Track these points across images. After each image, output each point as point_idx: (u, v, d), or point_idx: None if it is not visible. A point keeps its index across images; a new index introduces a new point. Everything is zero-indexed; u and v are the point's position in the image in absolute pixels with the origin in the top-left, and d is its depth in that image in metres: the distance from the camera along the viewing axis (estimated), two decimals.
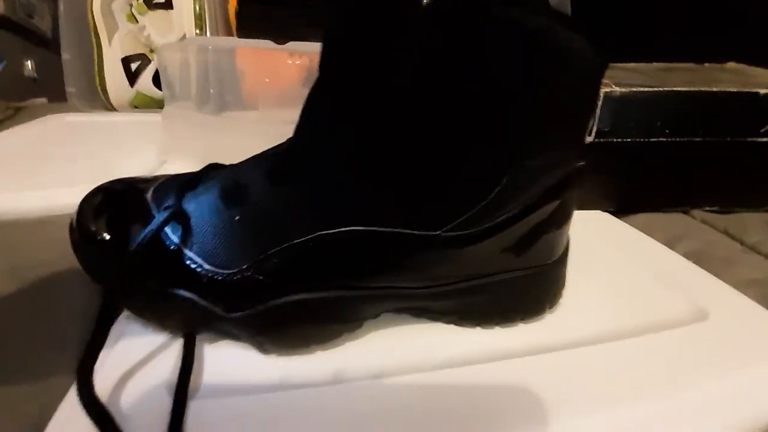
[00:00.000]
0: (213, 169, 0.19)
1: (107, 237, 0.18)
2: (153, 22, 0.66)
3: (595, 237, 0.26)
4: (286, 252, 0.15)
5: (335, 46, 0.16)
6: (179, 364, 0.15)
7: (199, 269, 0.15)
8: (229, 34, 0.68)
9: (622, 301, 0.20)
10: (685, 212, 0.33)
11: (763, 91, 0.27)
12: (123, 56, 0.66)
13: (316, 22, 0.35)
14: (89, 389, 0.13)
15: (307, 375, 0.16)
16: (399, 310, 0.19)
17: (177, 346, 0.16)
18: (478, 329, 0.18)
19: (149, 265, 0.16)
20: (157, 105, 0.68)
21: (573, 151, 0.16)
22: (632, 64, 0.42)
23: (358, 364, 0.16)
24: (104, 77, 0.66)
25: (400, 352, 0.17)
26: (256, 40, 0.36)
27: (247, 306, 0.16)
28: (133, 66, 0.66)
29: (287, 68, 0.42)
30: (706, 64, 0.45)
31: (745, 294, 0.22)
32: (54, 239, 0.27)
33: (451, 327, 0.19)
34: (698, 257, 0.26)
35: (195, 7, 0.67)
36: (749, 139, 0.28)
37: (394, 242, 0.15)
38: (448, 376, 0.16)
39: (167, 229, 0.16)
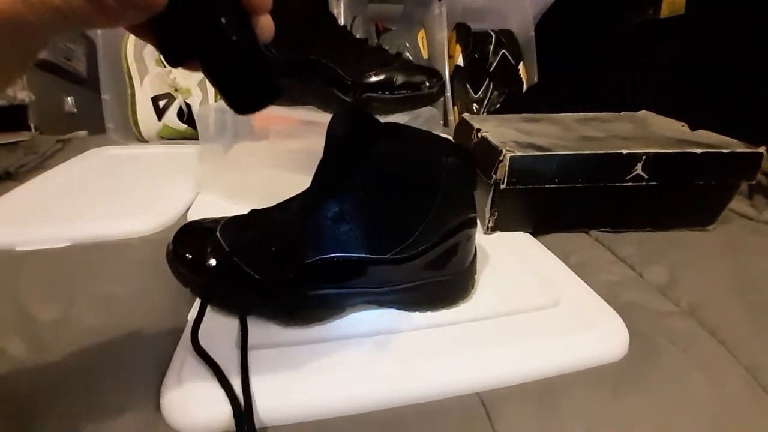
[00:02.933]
0: (255, 212, 0.31)
1: (190, 258, 0.30)
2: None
3: (508, 251, 0.38)
4: (303, 268, 0.27)
5: (331, 147, 0.27)
6: (239, 332, 0.27)
7: (252, 278, 0.27)
8: None
9: (509, 293, 0.32)
10: (585, 232, 0.45)
11: (626, 151, 0.39)
12: (152, 95, 0.78)
13: (318, 95, 0.46)
14: (197, 343, 0.25)
15: (309, 337, 0.28)
16: (368, 302, 0.30)
17: (236, 322, 0.28)
18: (417, 312, 0.30)
19: (222, 275, 0.28)
20: (180, 135, 0.80)
21: (462, 210, 0.28)
22: (560, 115, 0.54)
23: (342, 332, 0.28)
24: (136, 113, 0.78)
25: (368, 325, 0.29)
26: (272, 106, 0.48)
27: (280, 299, 0.28)
28: (161, 103, 0.78)
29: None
30: (622, 113, 0.57)
31: (599, 291, 0.34)
32: (137, 258, 0.38)
33: (401, 311, 0.31)
34: (581, 266, 0.38)
35: None
36: (618, 184, 0.40)
37: (361, 263, 0.27)
38: (396, 337, 0.28)
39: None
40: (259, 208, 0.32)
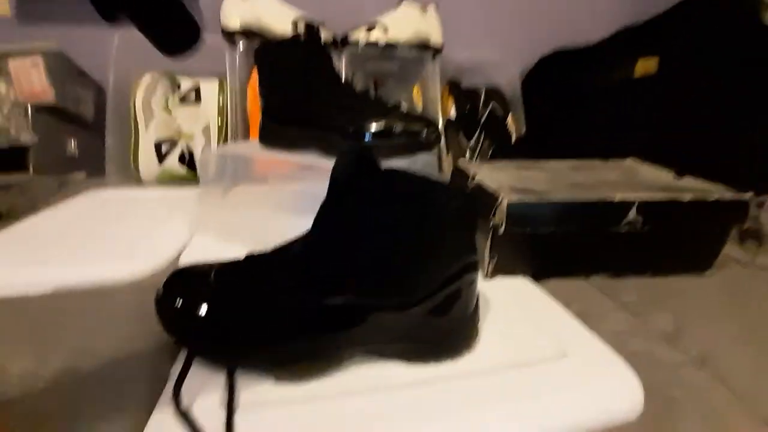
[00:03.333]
0: (251, 257, 0.30)
1: (179, 307, 0.28)
2: (184, 113, 0.82)
3: (510, 297, 0.37)
4: (299, 315, 0.26)
5: (334, 188, 0.27)
6: (227, 386, 0.25)
7: (244, 326, 0.26)
8: (246, 123, 0.84)
9: (514, 343, 0.31)
10: (586, 277, 0.44)
11: (618, 198, 0.40)
12: (156, 140, 0.80)
13: (318, 141, 0.48)
14: (179, 402, 0.23)
15: (303, 394, 0.26)
16: (368, 353, 0.29)
17: (223, 378, 0.26)
18: (420, 363, 0.29)
19: (214, 325, 0.26)
20: (179, 180, 0.81)
21: (463, 254, 0.27)
22: (552, 163, 0.57)
23: (341, 387, 0.26)
24: (138, 157, 0.79)
25: (368, 379, 0.27)
26: (275, 150, 0.50)
27: (272, 350, 0.26)
28: (164, 148, 0.80)
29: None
30: (609, 161, 0.60)
31: (606, 341, 0.32)
32: (117, 307, 0.37)
33: (402, 363, 0.29)
34: (584, 314, 0.37)
35: (219, 101, 0.83)
36: (613, 230, 0.41)
37: (363, 310, 0.26)
38: (399, 394, 0.26)
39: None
40: (255, 251, 0.31)
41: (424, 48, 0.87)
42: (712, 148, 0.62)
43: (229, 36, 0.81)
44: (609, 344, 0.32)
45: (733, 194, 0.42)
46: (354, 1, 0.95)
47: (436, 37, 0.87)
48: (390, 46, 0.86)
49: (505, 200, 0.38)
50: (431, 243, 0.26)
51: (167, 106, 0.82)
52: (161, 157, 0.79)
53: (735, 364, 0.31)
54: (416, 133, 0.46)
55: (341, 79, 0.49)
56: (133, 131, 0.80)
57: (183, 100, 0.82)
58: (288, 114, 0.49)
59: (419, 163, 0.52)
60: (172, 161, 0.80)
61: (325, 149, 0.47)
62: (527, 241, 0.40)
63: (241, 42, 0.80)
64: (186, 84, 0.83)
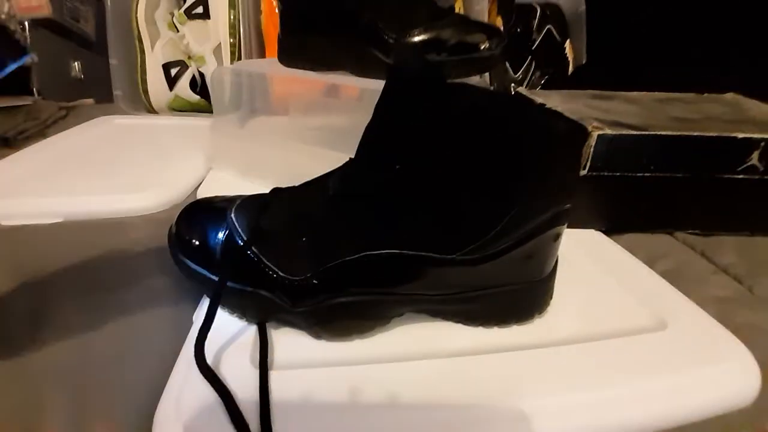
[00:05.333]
0: (278, 192, 0.24)
1: (197, 244, 0.23)
2: (192, 31, 0.71)
3: (584, 253, 0.31)
4: (340, 266, 0.20)
5: (388, 105, 0.20)
6: (257, 345, 0.21)
7: (274, 275, 0.21)
8: (260, 43, 0.73)
9: (597, 309, 0.25)
10: (669, 233, 0.37)
11: (741, 135, 0.31)
12: (164, 62, 0.72)
13: (349, 54, 0.39)
14: (202, 358, 0.19)
15: (347, 356, 0.21)
16: (419, 311, 0.24)
17: (254, 331, 0.22)
18: (480, 328, 0.24)
19: (236, 269, 0.21)
20: (192, 108, 0.74)
21: (559, 199, 0.21)
22: (634, 93, 0.46)
23: (386, 350, 0.22)
24: (146, 81, 0.72)
25: (418, 343, 0.22)
26: (296, 69, 0.41)
27: (308, 303, 0.21)
28: (173, 71, 0.72)
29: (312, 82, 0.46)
30: (705, 94, 0.48)
31: (708, 310, 0.26)
32: (137, 239, 0.33)
33: (459, 325, 0.24)
34: (674, 275, 0.30)
35: (230, 17, 0.72)
36: (726, 176, 0.32)
37: (421, 262, 0.20)
38: (452, 363, 0.21)
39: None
40: (282, 186, 0.25)
41: None
42: None
43: None
44: (711, 314, 0.26)
45: None
46: None
47: None
48: None
49: (595, 134, 0.29)
50: (521, 180, 0.19)
51: (172, 21, 0.71)
52: (171, 82, 0.72)
53: None
54: (475, 46, 0.36)
55: None
56: (138, 52, 0.72)
57: (190, 14, 0.71)
58: (312, 20, 0.39)
59: None
60: (184, 86, 0.72)
61: (360, 66, 0.38)
62: (611, 185, 0.32)
63: None
64: None
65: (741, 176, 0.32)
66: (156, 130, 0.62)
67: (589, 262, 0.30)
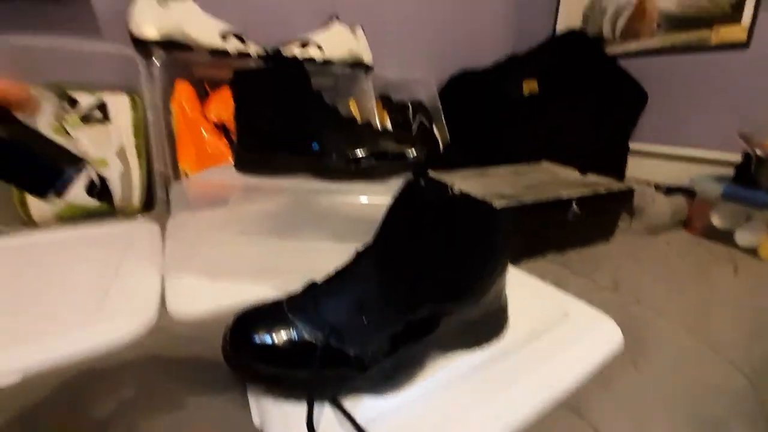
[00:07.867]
0: (314, 285, 0.30)
1: (268, 342, 0.27)
2: (89, 135, 0.67)
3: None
4: (395, 333, 0.28)
5: (396, 209, 0.30)
6: (343, 416, 0.25)
7: (351, 353, 0.27)
8: (171, 142, 0.74)
9: (529, 317, 0.39)
10: (542, 256, 0.57)
11: (565, 195, 0.53)
12: None
13: (314, 166, 0.48)
14: None
15: (406, 397, 0.28)
16: (441, 349, 0.32)
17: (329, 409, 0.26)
18: (470, 351, 0.34)
19: (325, 360, 0.26)
20: (89, 214, 0.66)
21: (504, 258, 0.34)
22: (494, 169, 0.69)
23: (427, 383, 0.30)
24: (24, 194, 0.61)
25: (441, 369, 0.31)
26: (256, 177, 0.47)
27: (372, 367, 0.27)
28: None
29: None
30: (531, 164, 0.76)
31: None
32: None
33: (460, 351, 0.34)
34: (556, 282, 0.48)
35: (133, 119, 0.71)
36: (563, 218, 0.54)
37: (444, 311, 0.30)
38: (477, 375, 0.30)
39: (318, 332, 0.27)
40: (315, 279, 0.31)
41: (358, 65, 0.92)
42: (585, 149, 0.85)
43: (143, 45, 0.70)
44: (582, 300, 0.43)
45: (627, 185, 0.61)
46: (277, 16, 0.93)
47: (367, 55, 0.93)
48: (327, 63, 0.88)
49: (500, 207, 0.46)
50: (489, 252, 0.31)
51: (62, 127, 0.65)
52: None
53: (651, 293, 0.46)
54: (404, 154, 0.51)
55: (327, 103, 0.50)
56: None
57: (85, 119, 0.67)
58: (274, 140, 0.47)
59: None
60: (77, 192, 0.64)
61: (320, 172, 0.48)
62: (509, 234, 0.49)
63: (159, 53, 0.70)
64: (86, 100, 0.68)
65: (570, 218, 0.54)
66: (54, 248, 0.53)
67: (512, 287, 0.45)
